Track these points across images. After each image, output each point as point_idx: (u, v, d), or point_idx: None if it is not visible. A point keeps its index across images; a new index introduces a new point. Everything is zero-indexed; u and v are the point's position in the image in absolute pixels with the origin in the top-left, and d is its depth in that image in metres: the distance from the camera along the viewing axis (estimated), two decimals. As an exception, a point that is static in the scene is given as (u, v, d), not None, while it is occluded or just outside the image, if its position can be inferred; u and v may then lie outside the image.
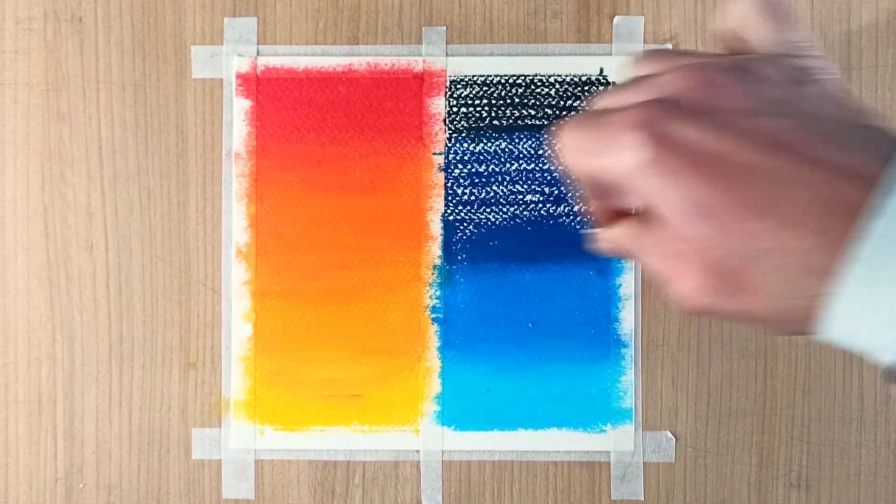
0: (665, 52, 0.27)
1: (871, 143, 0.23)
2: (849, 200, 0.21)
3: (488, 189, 0.42)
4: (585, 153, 0.26)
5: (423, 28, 0.42)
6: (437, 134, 0.42)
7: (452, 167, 0.42)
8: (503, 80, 0.42)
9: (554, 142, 0.27)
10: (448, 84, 0.42)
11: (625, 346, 0.42)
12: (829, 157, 0.22)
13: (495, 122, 0.42)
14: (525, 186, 0.42)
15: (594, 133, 0.25)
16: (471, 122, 0.42)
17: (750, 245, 0.22)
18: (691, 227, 0.23)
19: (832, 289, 0.22)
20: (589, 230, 0.32)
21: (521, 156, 0.42)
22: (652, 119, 0.24)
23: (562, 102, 0.42)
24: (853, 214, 0.21)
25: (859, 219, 0.21)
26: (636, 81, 0.26)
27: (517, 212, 0.42)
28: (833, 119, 0.24)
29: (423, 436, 0.42)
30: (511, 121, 0.42)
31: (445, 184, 0.42)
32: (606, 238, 0.30)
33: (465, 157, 0.42)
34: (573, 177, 0.27)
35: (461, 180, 0.42)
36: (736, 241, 0.23)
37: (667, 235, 0.27)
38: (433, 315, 0.42)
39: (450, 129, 0.42)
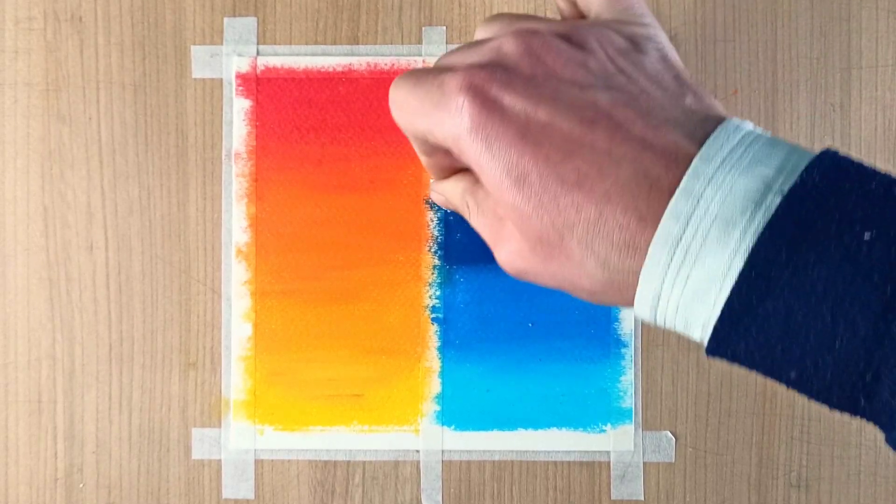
0: (504, 15, 0.27)
1: (690, 123, 0.22)
2: (660, 180, 0.21)
3: (488, 189, 0.42)
4: (414, 112, 0.25)
5: (423, 28, 0.42)
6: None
7: (452, 167, 0.42)
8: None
9: (390, 94, 0.26)
10: (448, 84, 0.42)
11: (625, 346, 0.42)
12: (645, 136, 0.22)
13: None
14: (525, 186, 0.42)
15: (422, 92, 0.25)
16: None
17: (563, 217, 0.22)
18: (507, 194, 0.23)
19: (642, 265, 0.21)
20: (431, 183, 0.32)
21: (521, 156, 0.42)
22: (478, 83, 0.23)
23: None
24: (664, 193, 0.21)
25: (670, 198, 0.21)
26: (474, 43, 0.26)
27: (517, 212, 0.42)
28: (657, 95, 0.23)
29: (423, 436, 0.42)
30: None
31: (445, 184, 0.42)
32: (439, 190, 0.30)
33: (465, 157, 0.42)
34: (405, 133, 0.27)
35: (461, 180, 0.42)
36: (550, 212, 0.22)
37: (490, 199, 0.26)
38: (433, 315, 0.42)
39: (450, 129, 0.42)
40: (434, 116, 0.24)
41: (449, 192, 0.29)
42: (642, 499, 0.42)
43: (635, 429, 0.42)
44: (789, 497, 0.42)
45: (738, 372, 0.42)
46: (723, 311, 0.20)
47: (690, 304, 0.21)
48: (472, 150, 0.23)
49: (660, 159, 0.22)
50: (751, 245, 0.20)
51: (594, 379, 0.42)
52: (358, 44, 0.42)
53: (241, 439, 0.42)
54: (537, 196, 0.23)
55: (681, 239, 0.21)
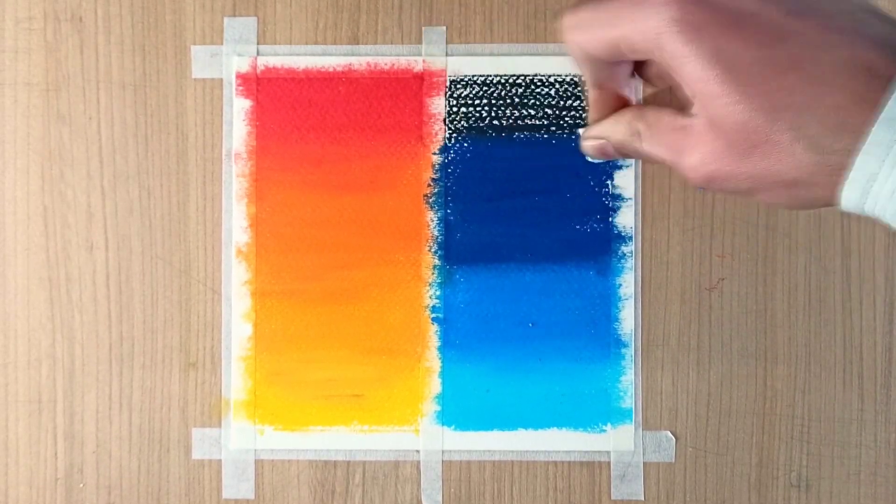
0: None
1: (887, 25, 0.23)
2: (873, 64, 0.22)
3: (488, 188, 0.42)
4: (605, 22, 0.25)
5: (423, 28, 0.42)
6: (437, 134, 0.42)
7: (452, 167, 0.42)
8: (503, 80, 0.42)
9: (563, 23, 0.27)
10: (448, 84, 0.42)
11: (625, 346, 0.42)
12: (855, 27, 0.23)
13: (495, 122, 0.42)
14: (525, 186, 0.42)
15: (613, 2, 0.25)
16: (471, 122, 0.42)
17: (774, 100, 0.22)
18: (714, 84, 0.23)
19: (855, 145, 0.22)
20: (582, 131, 0.32)
21: (521, 156, 0.42)
22: None
23: (562, 102, 0.42)
24: (881, 79, 0.21)
25: (886, 81, 0.21)
26: None
27: (517, 211, 0.42)
28: (850, 1, 0.24)
29: (423, 436, 0.42)
30: (511, 121, 0.42)
31: (445, 184, 0.42)
32: (596, 133, 0.29)
33: (465, 157, 0.42)
34: (580, 60, 0.27)
35: (461, 180, 0.42)
36: (761, 97, 0.23)
37: (665, 114, 0.26)
38: (433, 315, 0.42)
39: (450, 129, 0.42)
40: (632, 17, 0.24)
41: (610, 129, 0.29)
42: (642, 499, 0.42)
43: (635, 429, 0.42)
44: (789, 497, 0.42)
45: (738, 372, 0.42)
46: None
47: None
48: (678, 42, 0.23)
49: (874, 47, 0.22)
50: None
51: (594, 379, 0.42)
52: (358, 44, 0.42)
53: (241, 439, 0.42)
54: (747, 80, 0.23)
55: None
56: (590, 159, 0.31)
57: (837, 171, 0.22)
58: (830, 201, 0.24)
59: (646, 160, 0.28)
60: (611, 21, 0.25)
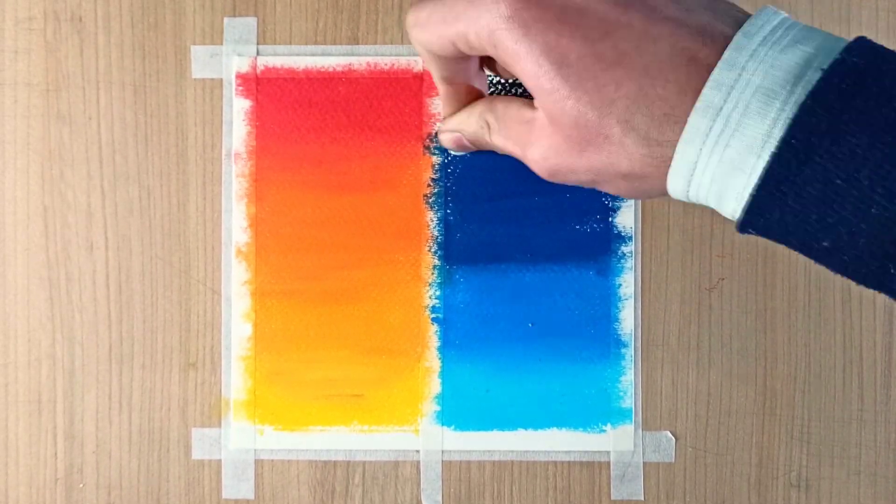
0: None
1: (719, 11, 0.23)
2: (698, 55, 0.22)
3: (488, 189, 0.42)
4: (443, 20, 0.26)
5: (423, 28, 0.42)
6: (437, 134, 0.42)
7: (452, 167, 0.42)
8: (503, 80, 0.42)
9: (407, 21, 0.27)
10: (448, 84, 0.42)
11: (625, 346, 0.42)
12: (678, 16, 0.23)
13: (495, 122, 0.42)
14: (525, 186, 0.42)
15: (450, 0, 0.26)
16: (471, 122, 0.42)
17: (602, 94, 0.23)
18: (545, 79, 0.23)
19: (682, 135, 0.22)
20: (438, 124, 0.32)
21: (521, 156, 0.42)
22: None
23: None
24: (702, 68, 0.22)
25: (709, 73, 0.22)
26: None
27: (517, 211, 0.42)
28: None
29: (423, 436, 0.42)
30: (511, 121, 0.42)
31: (445, 184, 0.42)
32: (452, 126, 0.30)
33: (465, 157, 0.42)
34: (425, 57, 0.27)
35: (461, 180, 0.42)
36: (590, 91, 0.23)
37: (513, 107, 0.26)
38: (433, 315, 0.42)
39: (450, 129, 0.42)
40: (468, 15, 0.25)
41: (463, 122, 0.29)
42: (642, 499, 0.42)
43: (635, 429, 0.42)
44: (789, 497, 0.42)
45: (738, 372, 0.42)
46: (761, 179, 0.21)
47: (727, 175, 0.22)
48: (510, 38, 0.24)
49: (696, 37, 0.22)
50: (792, 115, 0.20)
51: (594, 379, 0.42)
52: (358, 44, 0.42)
53: (241, 439, 0.42)
54: (576, 76, 0.23)
55: (721, 108, 0.21)
56: (452, 152, 0.32)
57: (666, 163, 0.23)
58: (665, 191, 0.24)
59: (497, 151, 0.29)
60: (447, 19, 0.25)
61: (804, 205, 0.21)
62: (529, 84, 0.24)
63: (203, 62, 0.42)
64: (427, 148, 0.42)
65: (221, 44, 0.42)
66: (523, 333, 0.42)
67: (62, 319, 0.42)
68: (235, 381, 0.42)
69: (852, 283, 0.42)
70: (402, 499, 0.42)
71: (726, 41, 0.22)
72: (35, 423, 0.42)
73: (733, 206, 0.22)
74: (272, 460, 0.42)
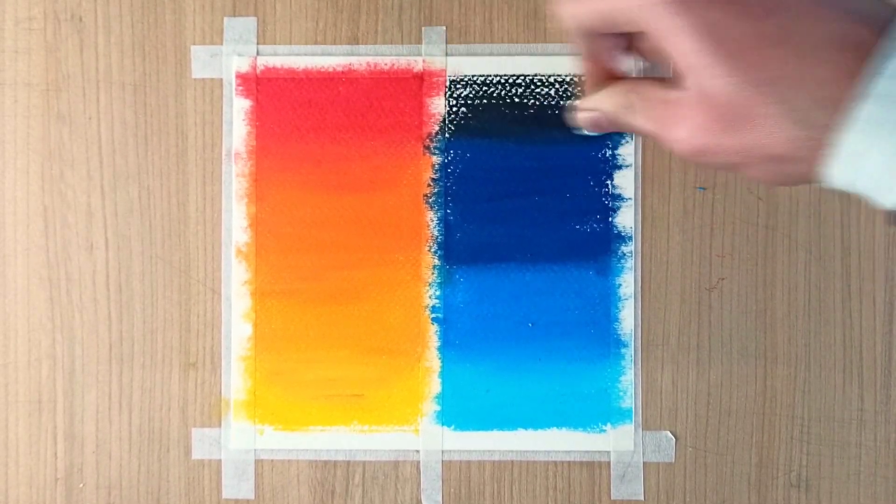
0: None
1: (877, 0, 0.23)
2: (862, 39, 0.22)
3: (488, 188, 0.42)
4: None
5: (423, 28, 0.42)
6: (437, 134, 0.42)
7: (452, 167, 0.42)
8: (503, 80, 0.42)
9: None
10: (448, 84, 0.42)
11: (625, 346, 0.42)
12: (844, 2, 0.23)
13: (495, 122, 0.42)
14: (525, 186, 0.42)
15: None
16: (471, 122, 0.42)
17: (761, 73, 0.23)
18: (703, 56, 0.23)
19: (842, 120, 0.22)
20: (573, 102, 0.32)
21: (521, 155, 0.42)
22: None
23: (562, 102, 0.42)
24: (867, 52, 0.21)
25: (875, 56, 0.21)
26: None
27: (517, 211, 0.42)
28: None
29: (423, 436, 0.42)
30: (511, 121, 0.42)
31: (445, 183, 0.42)
32: (590, 105, 0.30)
33: (465, 157, 0.42)
34: (573, 31, 0.27)
35: (461, 180, 0.42)
36: (749, 70, 0.23)
37: (656, 87, 0.27)
38: (433, 315, 0.42)
39: (450, 129, 0.42)
40: None
41: (605, 101, 0.29)
42: (642, 499, 0.42)
43: (635, 429, 0.42)
44: (789, 497, 0.42)
45: (738, 372, 0.42)
46: None
47: (891, 164, 0.21)
48: (668, 14, 0.24)
49: (864, 22, 0.22)
50: None
51: (594, 379, 0.42)
52: (358, 44, 0.42)
53: (241, 439, 0.42)
54: (737, 53, 0.23)
55: (889, 95, 0.21)
56: (585, 132, 0.31)
57: (824, 147, 0.23)
58: (817, 177, 0.24)
59: (637, 133, 0.29)
60: None
61: None
62: (685, 61, 0.24)
63: (203, 62, 0.42)
64: (427, 148, 0.42)
65: (221, 44, 0.42)
66: (523, 333, 0.42)
67: (62, 319, 0.42)
68: (235, 381, 0.42)
69: (852, 283, 0.42)
70: (402, 499, 0.42)
71: (891, 27, 0.22)
72: (35, 423, 0.42)
73: (893, 197, 0.22)
74: (272, 460, 0.42)
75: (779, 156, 0.24)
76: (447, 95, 0.42)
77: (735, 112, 0.23)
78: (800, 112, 0.22)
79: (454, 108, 0.42)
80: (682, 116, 0.25)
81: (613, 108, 0.29)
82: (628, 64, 0.30)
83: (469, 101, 0.42)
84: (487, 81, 0.42)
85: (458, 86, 0.42)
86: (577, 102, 0.31)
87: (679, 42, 0.24)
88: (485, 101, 0.42)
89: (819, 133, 0.22)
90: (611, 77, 0.29)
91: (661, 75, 0.27)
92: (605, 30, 0.27)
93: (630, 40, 0.29)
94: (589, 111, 0.30)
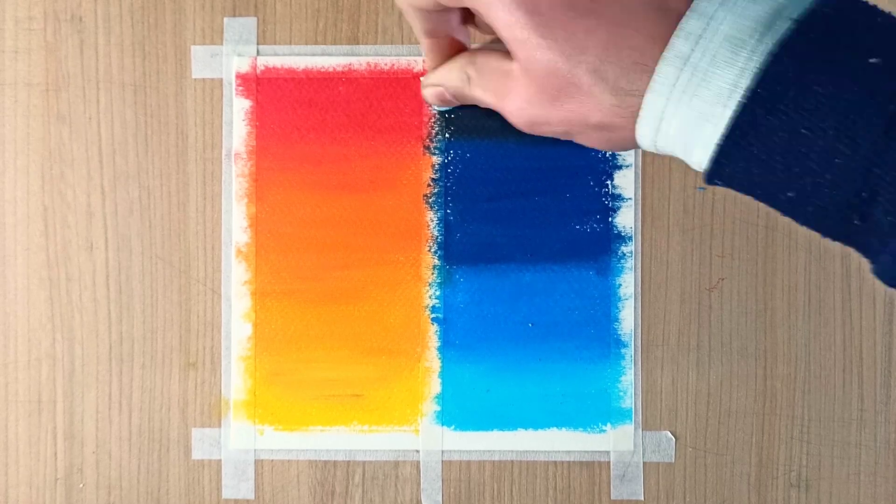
0: None
1: None
2: (670, 4, 0.22)
3: (488, 188, 0.42)
4: None
5: (423, 28, 0.42)
6: (437, 134, 0.42)
7: (452, 167, 0.42)
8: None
9: None
10: (448, 84, 0.42)
11: (625, 346, 0.42)
12: None
13: (495, 121, 0.42)
14: (525, 186, 0.42)
15: None
16: (471, 122, 0.42)
17: (573, 44, 0.23)
18: (518, 28, 0.24)
19: (650, 84, 0.22)
20: (422, 78, 0.32)
21: (521, 156, 0.42)
22: None
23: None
24: (673, 16, 0.22)
25: (680, 19, 0.21)
26: None
27: (517, 211, 0.42)
28: None
29: (423, 436, 0.42)
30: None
31: (445, 183, 0.42)
32: (435, 80, 0.30)
33: (465, 157, 0.42)
34: (406, 10, 0.28)
35: (461, 180, 0.42)
36: (561, 41, 0.23)
37: (492, 59, 0.27)
38: (433, 315, 0.42)
39: (450, 129, 0.42)
40: None
41: (445, 75, 0.29)
42: (642, 499, 0.42)
43: (635, 429, 0.42)
44: (789, 497, 0.42)
45: (738, 372, 0.42)
46: (727, 128, 0.21)
47: (694, 124, 0.22)
48: None
49: None
50: (759, 65, 0.20)
51: (594, 379, 0.42)
52: (358, 44, 0.42)
53: (241, 439, 0.42)
54: (548, 25, 0.23)
55: (689, 57, 0.21)
56: (434, 108, 0.32)
57: (636, 113, 0.23)
58: (636, 143, 0.24)
59: (477, 104, 0.29)
60: None
61: (770, 155, 0.21)
62: (503, 34, 0.24)
63: (203, 62, 0.42)
64: (427, 148, 0.42)
65: (221, 44, 0.42)
66: (523, 333, 0.42)
67: (62, 319, 0.42)
68: (235, 381, 0.42)
69: (852, 283, 0.42)
70: (402, 499, 0.42)
71: None
72: (35, 423, 0.42)
73: (700, 156, 0.22)
74: (272, 460, 0.42)
75: (601, 124, 0.24)
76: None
77: (555, 83, 0.24)
78: (611, 80, 0.23)
79: (454, 108, 0.42)
80: (512, 88, 0.26)
81: (454, 82, 0.29)
82: (466, 36, 0.30)
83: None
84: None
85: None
86: (422, 78, 0.31)
87: (496, 15, 0.24)
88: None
89: (630, 100, 0.23)
90: (452, 50, 0.30)
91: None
92: (436, 7, 0.27)
93: (465, 14, 0.30)
94: (433, 86, 0.31)
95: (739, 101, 0.20)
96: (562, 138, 0.26)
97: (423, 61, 0.31)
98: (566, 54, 0.23)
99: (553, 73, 0.23)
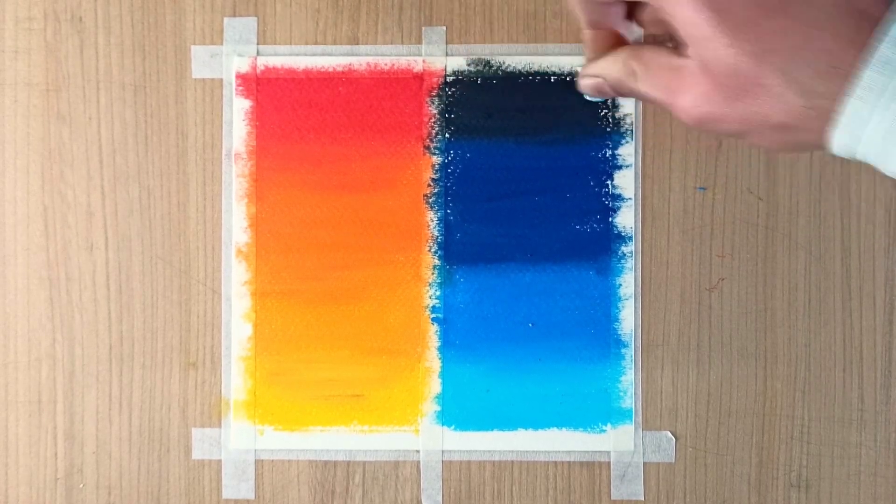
0: None
1: None
2: (865, 8, 0.22)
3: (488, 189, 0.42)
4: None
5: (423, 28, 0.42)
6: (437, 134, 0.42)
7: (452, 167, 0.42)
8: (503, 80, 0.42)
9: None
10: (448, 83, 0.42)
11: (625, 346, 0.42)
12: None
13: (495, 122, 0.42)
14: (525, 186, 0.42)
15: None
16: (470, 122, 0.42)
17: (764, 44, 0.23)
18: (705, 27, 0.23)
19: (847, 89, 0.22)
20: (579, 69, 0.32)
21: (521, 155, 0.42)
22: None
23: (561, 102, 0.42)
24: (871, 21, 0.21)
25: (878, 24, 0.21)
26: None
27: (517, 211, 0.42)
28: None
29: (423, 436, 0.42)
30: (511, 121, 0.42)
31: (445, 184, 0.42)
32: (595, 71, 0.30)
33: (465, 157, 0.42)
34: (574, 4, 0.28)
35: (461, 180, 0.42)
36: (751, 40, 0.23)
37: (661, 55, 0.26)
38: (433, 315, 0.42)
39: (450, 129, 0.42)
40: None
41: (607, 67, 0.29)
42: (642, 499, 0.42)
43: (635, 429, 0.42)
44: (789, 497, 0.42)
45: (738, 372, 0.42)
46: None
47: (894, 132, 0.21)
48: None
49: None
50: None
51: (594, 379, 0.42)
52: (358, 44, 0.42)
53: (241, 439, 0.42)
54: (738, 23, 0.23)
55: (890, 61, 0.21)
56: (587, 98, 0.32)
57: (826, 116, 0.22)
58: (820, 145, 0.24)
59: (640, 99, 0.29)
60: None
61: None
62: (686, 30, 0.24)
63: (203, 62, 0.42)
64: (427, 148, 0.42)
65: (221, 44, 0.42)
66: (523, 333, 0.42)
67: (62, 319, 0.42)
68: (235, 381, 0.42)
69: (852, 283, 0.42)
70: (402, 499, 0.42)
71: None
72: (35, 423, 0.42)
73: None
74: (272, 460, 0.42)
75: (782, 125, 0.24)
76: (447, 95, 0.42)
77: (737, 82, 0.23)
78: (801, 82, 0.22)
79: (454, 108, 0.42)
80: (686, 84, 0.25)
81: (616, 74, 0.29)
82: (630, 30, 0.30)
83: (469, 101, 0.42)
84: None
85: (458, 85, 0.42)
86: (581, 69, 0.31)
87: (680, 12, 0.24)
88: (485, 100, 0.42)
89: (822, 102, 0.22)
90: (613, 43, 0.29)
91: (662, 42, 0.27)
92: None
93: (630, 9, 0.29)
94: (591, 77, 0.30)
95: None
96: (730, 136, 0.26)
97: (583, 52, 0.30)
98: (755, 54, 0.23)
99: (738, 72, 0.23)
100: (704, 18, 0.23)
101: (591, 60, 0.30)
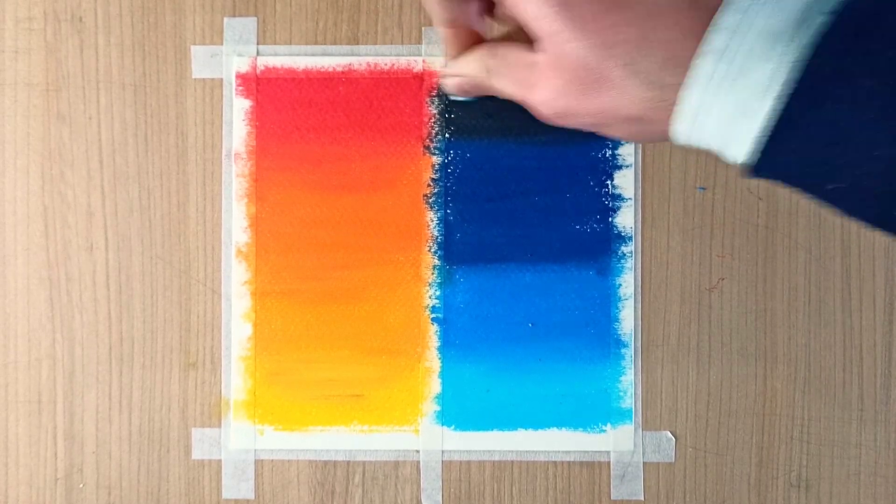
0: None
1: None
2: (708, 0, 0.22)
3: (488, 188, 0.42)
4: None
5: (423, 28, 0.42)
6: (437, 134, 0.42)
7: (452, 167, 0.42)
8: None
9: None
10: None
11: (625, 346, 0.42)
12: None
13: (495, 122, 0.42)
14: (525, 186, 0.42)
15: None
16: (470, 122, 0.42)
17: (605, 37, 0.23)
18: (548, 22, 0.23)
19: (686, 79, 0.22)
20: (440, 70, 0.32)
21: (521, 155, 0.42)
22: None
23: (562, 102, 0.42)
24: (709, 11, 0.22)
25: (716, 14, 0.21)
26: None
27: (517, 211, 0.42)
28: None
29: (423, 436, 0.42)
30: (511, 121, 0.42)
31: (445, 184, 0.42)
32: (454, 70, 0.30)
33: (465, 157, 0.42)
34: (428, 3, 0.28)
35: (461, 180, 0.42)
36: (592, 35, 0.23)
37: (514, 51, 0.27)
38: (433, 315, 0.42)
39: (450, 128, 0.42)
40: None
41: (464, 65, 0.29)
42: (642, 499, 0.42)
43: (635, 429, 0.42)
44: (789, 497, 0.42)
45: (738, 372, 0.42)
46: (767, 123, 0.21)
47: (732, 119, 0.22)
48: None
49: None
50: (797, 57, 0.20)
51: (594, 379, 0.42)
52: (358, 44, 0.42)
53: (241, 439, 0.42)
54: (579, 18, 0.23)
55: (726, 50, 0.21)
56: (452, 98, 0.32)
57: (671, 106, 0.23)
58: (668, 136, 0.24)
59: (499, 96, 0.29)
60: None
61: (810, 148, 0.21)
62: (532, 26, 0.24)
63: (203, 62, 0.42)
64: (427, 148, 0.42)
65: (221, 44, 0.42)
66: (523, 333, 0.42)
67: (62, 319, 0.42)
68: (235, 381, 0.42)
69: (852, 283, 0.42)
70: (402, 499, 0.42)
71: None
72: (35, 423, 0.42)
73: (737, 150, 0.22)
74: (272, 460, 0.42)
75: (634, 116, 0.24)
76: (447, 95, 0.42)
77: (588, 75, 0.24)
78: (644, 74, 0.23)
79: (454, 108, 0.42)
80: (541, 79, 0.25)
81: (474, 72, 0.29)
82: (484, 26, 0.30)
83: (469, 101, 0.42)
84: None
85: (458, 86, 0.42)
86: (441, 69, 0.31)
87: (526, 7, 0.24)
88: (485, 100, 0.42)
89: (664, 93, 0.23)
90: (471, 40, 0.30)
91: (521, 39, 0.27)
92: None
93: (485, 6, 0.30)
94: (453, 76, 0.31)
95: (778, 95, 0.20)
96: (590, 130, 0.26)
97: (443, 52, 0.31)
98: (597, 48, 0.23)
99: (584, 66, 0.23)
100: (549, 13, 0.23)
101: (451, 59, 0.30)
